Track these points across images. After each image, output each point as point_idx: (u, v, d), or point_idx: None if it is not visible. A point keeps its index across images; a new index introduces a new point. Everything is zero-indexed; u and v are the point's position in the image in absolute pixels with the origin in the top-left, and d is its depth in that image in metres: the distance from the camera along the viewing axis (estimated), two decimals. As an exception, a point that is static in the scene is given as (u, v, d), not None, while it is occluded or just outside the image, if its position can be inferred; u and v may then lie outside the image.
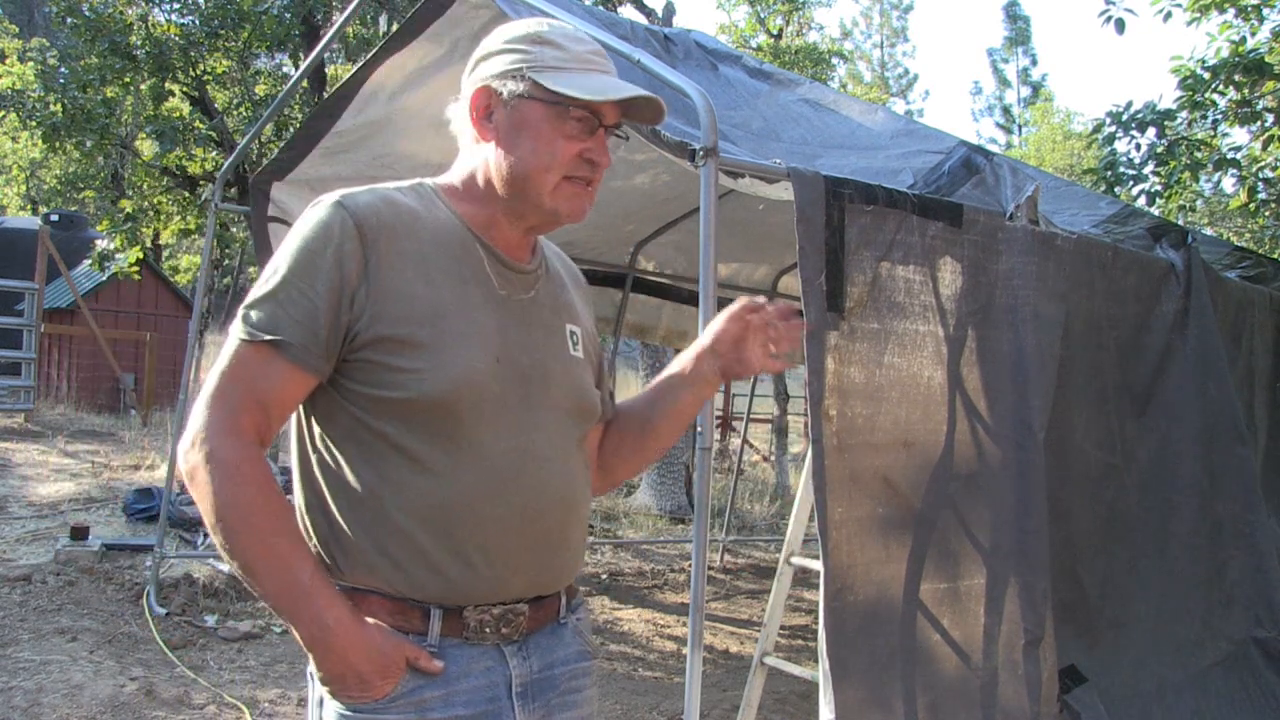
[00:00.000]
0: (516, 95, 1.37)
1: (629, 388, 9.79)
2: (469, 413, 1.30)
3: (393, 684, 1.28)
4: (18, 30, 19.25)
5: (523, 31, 1.40)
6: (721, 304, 6.38)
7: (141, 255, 9.29)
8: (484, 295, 1.37)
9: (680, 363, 1.60)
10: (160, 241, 14.40)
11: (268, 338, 1.27)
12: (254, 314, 1.28)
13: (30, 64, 10.99)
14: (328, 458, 1.33)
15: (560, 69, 1.36)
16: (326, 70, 8.72)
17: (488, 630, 1.36)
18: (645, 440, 1.63)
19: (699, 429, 2.46)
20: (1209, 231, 9.42)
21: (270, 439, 1.32)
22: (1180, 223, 5.35)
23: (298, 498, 1.39)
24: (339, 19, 6.68)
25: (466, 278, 1.36)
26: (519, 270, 1.44)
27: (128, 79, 7.82)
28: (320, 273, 1.28)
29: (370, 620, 1.30)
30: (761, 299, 1.58)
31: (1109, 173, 6.35)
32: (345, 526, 1.32)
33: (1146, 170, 6.31)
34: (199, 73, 8.14)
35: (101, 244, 9.36)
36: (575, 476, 1.43)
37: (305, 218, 1.34)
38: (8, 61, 11.87)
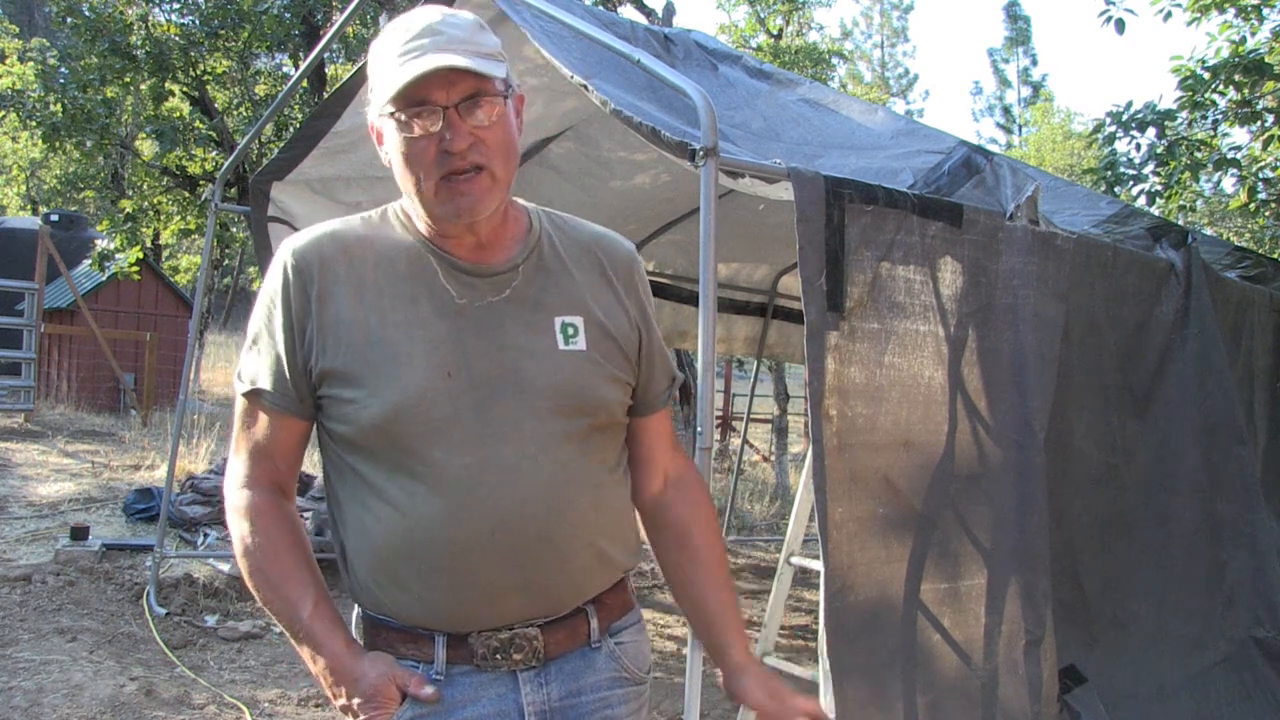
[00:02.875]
0: (377, 119, 1.33)
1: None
2: (414, 437, 1.27)
3: (387, 715, 1.30)
4: (18, 30, 19.23)
5: (371, 52, 1.34)
6: (721, 304, 6.36)
7: (141, 255, 9.30)
8: (436, 308, 1.32)
9: (727, 647, 1.50)
10: (160, 241, 14.41)
11: (249, 387, 1.36)
12: (241, 367, 1.38)
13: (30, 64, 10.99)
14: (332, 493, 1.39)
15: (387, 75, 1.28)
16: (326, 70, 8.71)
17: (499, 657, 1.32)
18: (655, 549, 1.54)
19: (699, 429, 2.45)
20: (1209, 231, 9.42)
21: (288, 482, 1.41)
22: (1180, 223, 5.35)
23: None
24: (339, 19, 6.68)
25: (416, 295, 1.33)
26: (485, 274, 1.36)
27: (128, 79, 7.82)
28: (276, 318, 1.33)
29: (373, 652, 1.34)
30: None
31: (1109, 173, 6.35)
32: (351, 559, 1.36)
33: (1146, 170, 6.31)
34: (199, 73, 8.14)
35: (101, 244, 9.37)
36: (566, 481, 1.31)
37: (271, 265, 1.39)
38: (8, 61, 11.86)
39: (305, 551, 1.37)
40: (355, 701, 1.30)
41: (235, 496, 1.38)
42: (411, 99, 1.26)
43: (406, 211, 1.41)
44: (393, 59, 1.28)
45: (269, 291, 1.35)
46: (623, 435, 1.45)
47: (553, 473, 1.30)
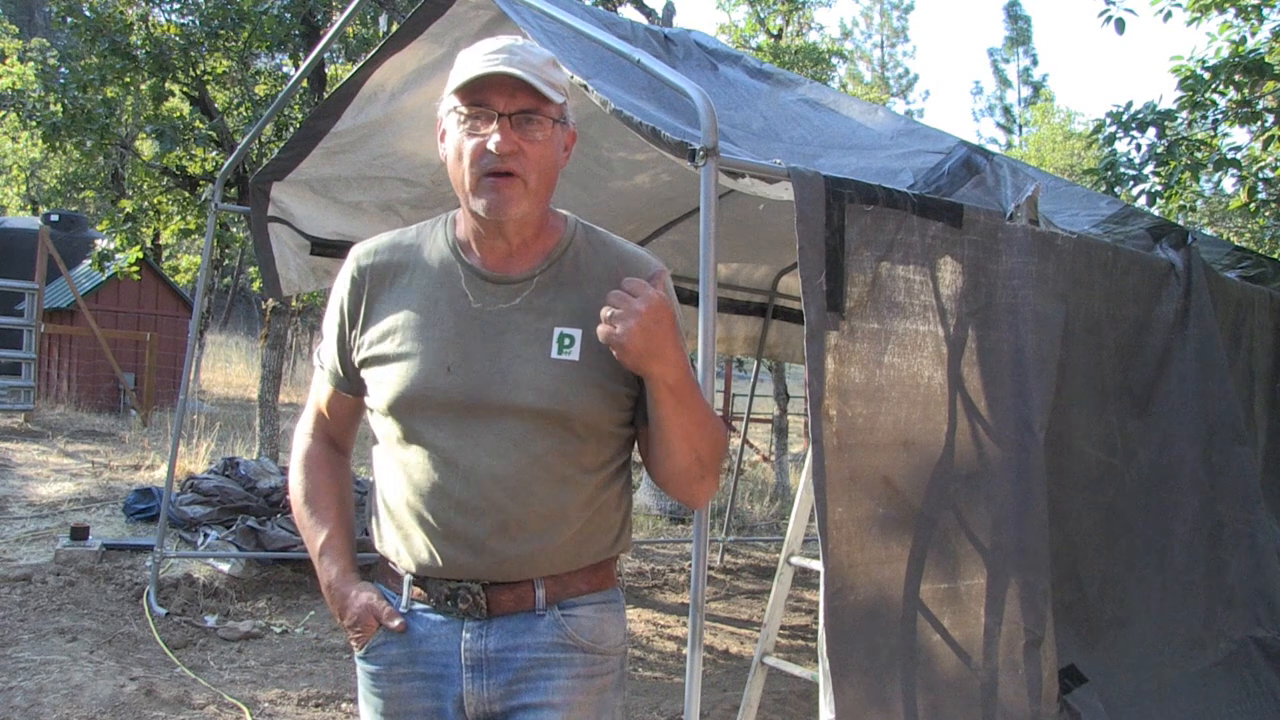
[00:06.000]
0: (445, 115, 1.51)
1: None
2: (414, 418, 1.50)
3: (367, 638, 1.57)
4: (18, 30, 19.23)
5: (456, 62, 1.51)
6: (722, 304, 6.40)
7: (141, 255, 9.26)
8: (453, 310, 1.52)
9: None
10: (160, 241, 14.38)
11: (318, 366, 1.67)
12: (319, 346, 1.68)
13: (30, 64, 10.97)
14: (374, 451, 1.62)
15: (459, 71, 1.46)
16: (326, 70, 8.68)
17: (449, 604, 1.52)
18: (653, 449, 1.55)
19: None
20: (1209, 231, 9.42)
21: (341, 438, 1.71)
22: (1180, 223, 5.35)
23: None
24: (339, 19, 6.68)
25: (439, 297, 1.53)
26: (502, 281, 1.53)
27: (128, 79, 7.79)
28: (334, 316, 1.62)
29: (363, 583, 1.60)
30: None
31: (1109, 173, 6.35)
32: (375, 509, 1.61)
33: (1146, 170, 6.31)
34: (199, 73, 8.12)
35: (101, 244, 9.34)
36: (531, 474, 1.47)
37: None
38: (8, 61, 11.85)
39: (340, 492, 1.66)
40: (344, 622, 1.59)
41: (296, 443, 1.71)
42: (474, 99, 1.45)
43: (456, 218, 1.60)
44: (471, 61, 1.45)
45: (336, 291, 1.61)
46: (616, 443, 1.57)
47: (519, 464, 1.47)
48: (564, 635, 1.53)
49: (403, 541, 1.53)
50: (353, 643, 1.60)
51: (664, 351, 1.41)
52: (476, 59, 1.45)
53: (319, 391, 1.68)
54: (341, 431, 1.70)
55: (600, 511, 1.55)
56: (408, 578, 1.55)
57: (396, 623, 1.54)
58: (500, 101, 1.43)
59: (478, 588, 1.50)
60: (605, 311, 1.41)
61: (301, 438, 1.70)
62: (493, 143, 1.42)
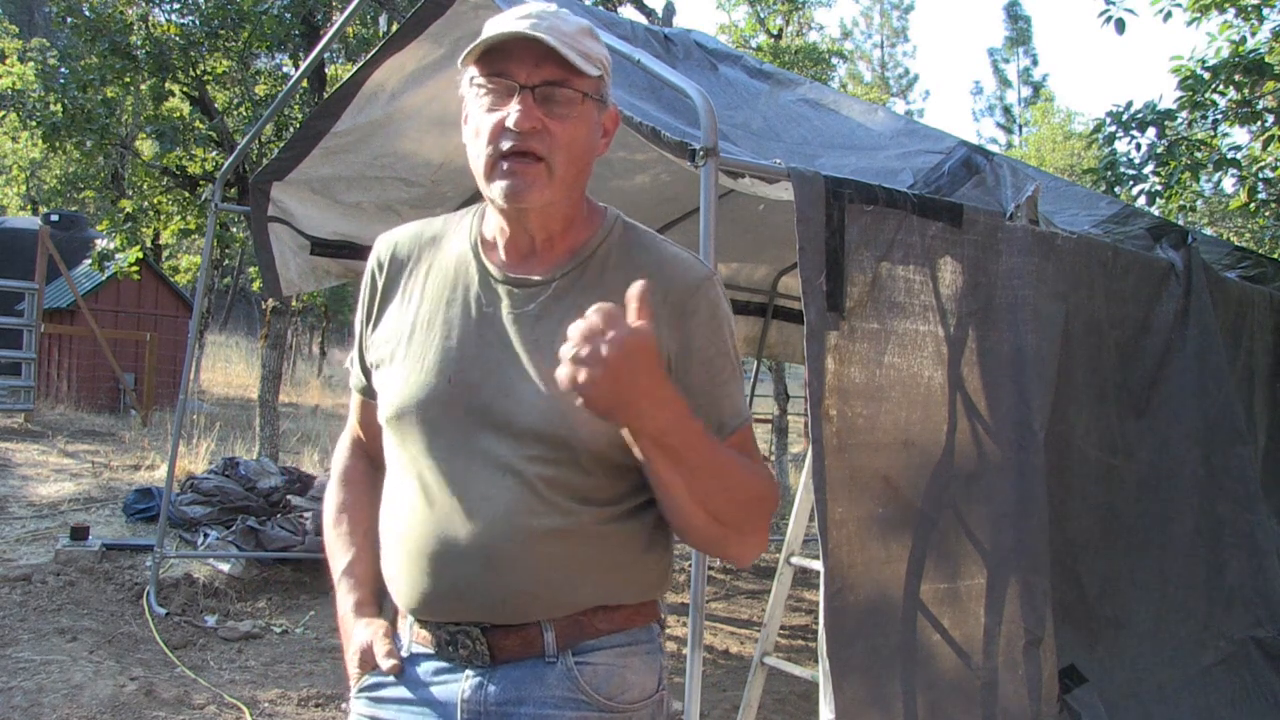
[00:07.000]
0: (467, 89, 1.32)
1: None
2: (410, 434, 1.33)
3: (362, 674, 1.41)
4: (18, 30, 19.23)
5: None
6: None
7: (141, 255, 9.27)
8: (462, 314, 1.34)
9: None
10: (160, 241, 14.39)
11: (348, 367, 1.54)
12: (351, 353, 1.54)
13: (30, 64, 10.98)
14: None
15: (475, 43, 1.26)
16: (326, 70, 8.69)
17: (450, 649, 1.33)
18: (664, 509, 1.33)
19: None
20: (1209, 231, 9.42)
21: (381, 457, 1.47)
22: (1180, 223, 5.35)
23: None
24: (339, 19, 6.68)
25: (451, 298, 1.35)
26: (519, 284, 1.33)
27: (128, 79, 7.80)
28: (359, 311, 1.48)
29: (371, 620, 1.44)
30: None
31: (1109, 173, 6.35)
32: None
33: (1146, 170, 6.31)
34: (199, 73, 8.12)
35: (101, 244, 9.34)
36: (525, 508, 1.26)
37: None
38: (8, 61, 11.86)
39: (375, 512, 1.45)
40: (348, 656, 1.44)
41: (335, 461, 1.57)
42: (493, 69, 1.25)
43: (485, 211, 1.41)
44: (493, 26, 1.26)
45: (361, 283, 1.48)
46: (633, 478, 1.30)
47: (511, 491, 1.27)
48: (575, 689, 1.30)
49: (398, 576, 1.35)
50: (349, 678, 1.44)
51: (635, 402, 1.11)
52: (498, 24, 1.26)
53: (353, 406, 1.54)
54: (374, 446, 1.49)
55: (620, 551, 1.32)
56: (407, 620, 1.38)
57: (389, 664, 1.36)
58: (522, 72, 1.24)
59: (478, 631, 1.30)
60: (565, 348, 1.10)
61: (340, 454, 1.56)
62: (511, 118, 1.22)
